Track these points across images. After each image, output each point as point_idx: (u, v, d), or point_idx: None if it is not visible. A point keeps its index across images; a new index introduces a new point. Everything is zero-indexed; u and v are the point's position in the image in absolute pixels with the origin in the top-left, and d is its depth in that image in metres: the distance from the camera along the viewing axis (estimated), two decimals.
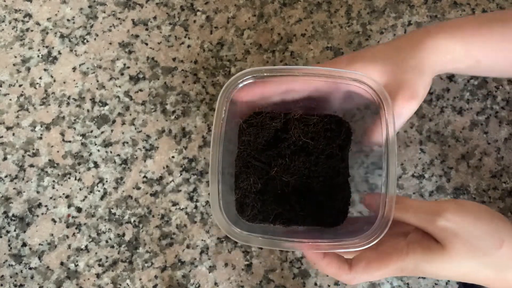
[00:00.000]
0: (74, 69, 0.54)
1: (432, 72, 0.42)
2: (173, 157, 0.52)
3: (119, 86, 0.54)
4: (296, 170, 0.46)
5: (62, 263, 0.50)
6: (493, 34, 0.42)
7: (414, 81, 0.41)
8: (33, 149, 0.52)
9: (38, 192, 0.51)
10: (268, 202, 0.46)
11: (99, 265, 0.50)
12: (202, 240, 0.50)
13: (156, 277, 0.49)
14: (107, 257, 0.50)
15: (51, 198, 0.51)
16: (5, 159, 0.52)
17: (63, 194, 0.51)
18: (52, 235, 0.50)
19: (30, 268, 0.50)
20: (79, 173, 0.51)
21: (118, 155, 0.52)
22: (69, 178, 0.51)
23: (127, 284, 0.49)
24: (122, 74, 0.54)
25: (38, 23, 0.55)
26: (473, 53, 0.43)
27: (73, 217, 0.51)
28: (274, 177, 0.46)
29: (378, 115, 0.42)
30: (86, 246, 0.50)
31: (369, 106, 0.43)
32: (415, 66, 0.42)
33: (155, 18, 0.56)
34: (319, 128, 0.47)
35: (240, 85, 0.43)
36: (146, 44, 0.55)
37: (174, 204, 0.51)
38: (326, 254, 0.40)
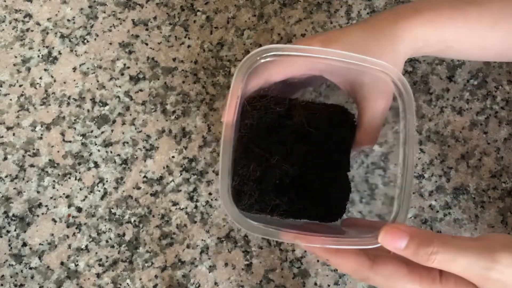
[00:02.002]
0: (74, 69, 0.54)
1: (404, 61, 0.42)
2: (173, 157, 0.52)
3: (119, 86, 0.54)
4: (296, 159, 0.45)
5: (62, 263, 0.50)
6: (467, 20, 0.41)
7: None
8: (34, 149, 0.52)
9: (38, 192, 0.51)
10: (266, 192, 0.44)
11: (99, 265, 0.50)
12: (202, 240, 0.50)
13: (156, 276, 0.49)
14: (107, 257, 0.50)
15: (51, 198, 0.51)
16: (5, 159, 0.52)
17: (64, 194, 0.51)
18: (52, 235, 0.50)
19: (31, 268, 0.50)
20: (79, 173, 0.52)
21: (118, 155, 0.52)
22: (70, 178, 0.51)
23: (127, 284, 0.49)
24: (122, 74, 0.54)
25: (38, 23, 0.55)
26: (445, 40, 0.42)
27: (73, 217, 0.51)
28: (274, 165, 0.44)
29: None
30: (86, 246, 0.50)
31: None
32: (391, 60, 0.40)
33: (155, 18, 0.56)
34: (323, 117, 0.45)
35: (262, 61, 0.39)
36: (146, 44, 0.55)
37: (174, 204, 0.51)
38: (340, 249, 0.37)
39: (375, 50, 0.41)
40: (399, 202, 0.37)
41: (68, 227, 0.50)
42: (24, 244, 0.50)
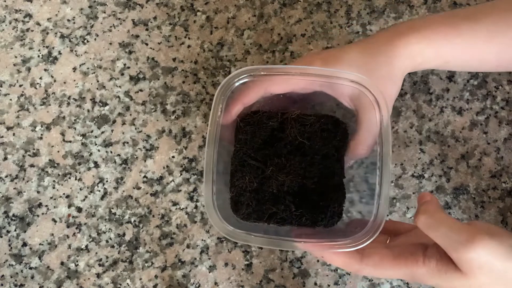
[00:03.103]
0: (74, 69, 0.54)
1: (402, 76, 0.44)
2: (173, 157, 0.52)
3: (120, 86, 0.54)
4: (291, 170, 0.46)
5: (62, 263, 0.50)
6: (462, 36, 0.43)
7: (385, 91, 0.42)
8: (34, 149, 0.52)
9: (38, 192, 0.51)
10: (263, 201, 0.46)
11: (100, 265, 0.50)
12: (202, 240, 0.50)
13: (156, 276, 0.49)
14: (107, 257, 0.50)
15: (51, 198, 0.51)
16: (5, 159, 0.52)
17: (64, 194, 0.51)
18: (52, 235, 0.50)
19: (31, 268, 0.50)
20: (80, 173, 0.52)
21: (119, 155, 0.52)
22: (70, 178, 0.51)
23: (127, 284, 0.49)
24: (122, 74, 0.54)
25: (38, 23, 0.55)
26: (442, 55, 0.44)
27: (73, 217, 0.51)
28: (269, 176, 0.46)
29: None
30: (86, 246, 0.50)
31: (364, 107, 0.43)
32: (388, 74, 0.43)
33: (155, 18, 0.56)
34: (315, 128, 0.47)
35: (237, 83, 0.43)
36: (146, 44, 0.55)
37: (174, 204, 0.51)
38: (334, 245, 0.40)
39: (372, 65, 0.43)
40: (377, 204, 0.41)
41: (68, 227, 0.50)
42: (24, 244, 0.50)
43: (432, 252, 0.37)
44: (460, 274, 0.35)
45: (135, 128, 0.53)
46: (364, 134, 0.43)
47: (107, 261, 0.50)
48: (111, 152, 0.52)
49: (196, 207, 0.51)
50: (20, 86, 0.54)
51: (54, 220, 0.51)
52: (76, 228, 0.50)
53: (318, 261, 0.50)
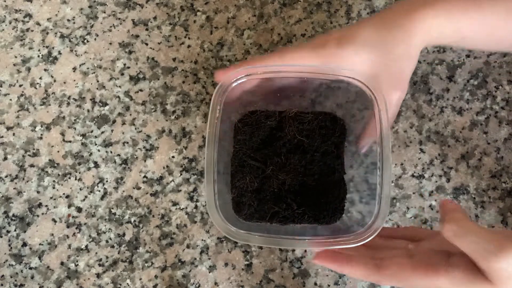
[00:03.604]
0: (74, 69, 0.54)
1: (419, 51, 0.43)
2: (173, 157, 0.52)
3: (119, 86, 0.54)
4: (292, 168, 0.46)
5: (62, 263, 0.50)
6: (480, 11, 0.42)
7: (402, 69, 0.42)
8: (34, 149, 0.52)
9: (38, 192, 0.51)
10: (265, 201, 0.46)
11: (99, 265, 0.50)
12: (202, 240, 0.50)
13: (156, 277, 0.49)
14: (107, 257, 0.50)
15: (51, 198, 0.51)
16: (5, 159, 0.52)
17: (64, 194, 0.51)
18: (52, 235, 0.50)
19: (30, 268, 0.50)
20: (79, 173, 0.52)
21: (118, 155, 0.52)
22: (70, 178, 0.51)
23: (127, 284, 0.49)
24: (122, 74, 0.54)
25: (38, 23, 0.55)
26: (459, 30, 0.43)
27: (73, 217, 0.51)
28: (270, 175, 0.46)
29: (369, 114, 0.43)
30: (86, 246, 0.50)
31: (366, 105, 0.43)
32: (403, 53, 0.42)
33: (155, 18, 0.56)
34: (313, 126, 0.47)
35: (234, 84, 0.43)
36: (146, 44, 0.55)
37: (174, 204, 0.51)
38: (351, 258, 0.39)
39: (388, 43, 0.42)
40: (378, 204, 0.40)
41: (68, 227, 0.50)
42: (24, 244, 0.50)
43: (457, 261, 0.35)
44: (488, 284, 0.34)
45: (135, 128, 0.53)
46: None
47: (107, 261, 0.50)
48: (111, 152, 0.52)
49: (196, 207, 0.51)
50: (20, 86, 0.54)
51: (54, 220, 0.51)
52: (76, 228, 0.50)
53: None
